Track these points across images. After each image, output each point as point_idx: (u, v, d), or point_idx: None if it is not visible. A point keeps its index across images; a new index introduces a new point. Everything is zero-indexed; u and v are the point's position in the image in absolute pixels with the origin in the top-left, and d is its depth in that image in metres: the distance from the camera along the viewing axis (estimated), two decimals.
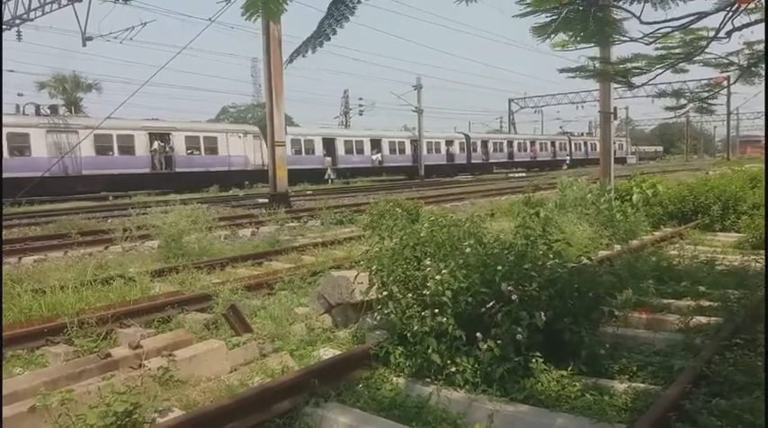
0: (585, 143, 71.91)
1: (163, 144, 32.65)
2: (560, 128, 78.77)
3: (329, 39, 3.10)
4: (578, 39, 4.28)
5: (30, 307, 6.51)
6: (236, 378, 4.63)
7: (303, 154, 40.00)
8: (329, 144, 42.56)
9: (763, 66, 5.83)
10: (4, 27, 24.72)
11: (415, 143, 48.75)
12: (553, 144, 65.82)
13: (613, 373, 4.49)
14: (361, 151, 45.14)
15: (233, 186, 34.46)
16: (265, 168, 35.12)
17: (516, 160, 59.37)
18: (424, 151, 48.53)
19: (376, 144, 46.32)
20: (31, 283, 7.54)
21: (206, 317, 6.36)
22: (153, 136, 32.15)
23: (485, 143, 56.38)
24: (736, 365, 4.23)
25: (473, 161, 53.93)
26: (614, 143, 68.90)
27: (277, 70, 20.20)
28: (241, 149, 35.82)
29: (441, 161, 50.71)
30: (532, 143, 62.59)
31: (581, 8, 3.64)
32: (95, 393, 3.98)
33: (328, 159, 42.08)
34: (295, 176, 37.58)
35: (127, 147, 30.83)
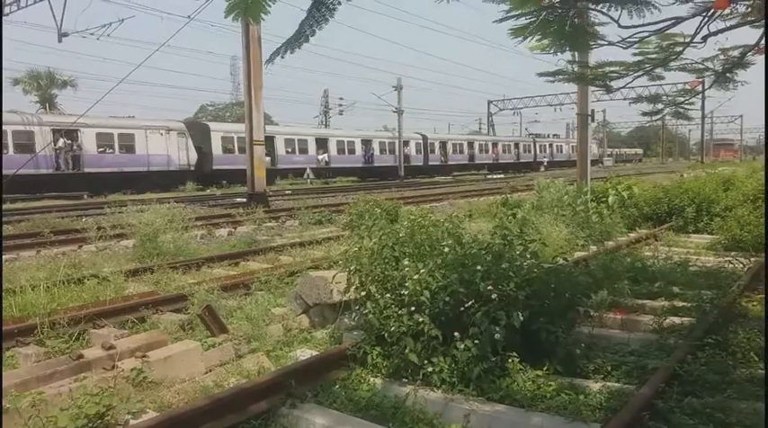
0: (551, 145, 70.22)
1: (69, 141, 29.40)
2: (526, 129, 77.65)
3: (308, 40, 3.09)
4: (556, 43, 4.31)
5: None
6: (212, 379, 4.59)
7: (236, 152, 36.02)
8: (267, 142, 39.05)
9: (738, 71, 5.94)
10: None
11: (367, 143, 46.08)
12: (517, 145, 63.65)
13: (588, 373, 4.53)
14: (304, 151, 41.19)
15: (212, 185, 33.30)
16: (192, 168, 33.70)
17: (477, 162, 57.15)
18: (377, 151, 46.38)
19: (322, 143, 42.82)
20: None
21: (181, 318, 6.29)
22: (57, 132, 28.44)
23: (443, 144, 53.81)
24: (708, 365, 4.31)
25: (430, 163, 51.51)
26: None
27: (256, 68, 20.07)
28: (163, 148, 32.47)
29: (394, 163, 47.65)
30: (495, 144, 60.30)
31: (559, 11, 3.66)
32: (67, 395, 3.92)
33: (266, 159, 39.19)
34: (223, 178, 34.35)
35: (25, 145, 26.79)
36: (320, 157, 42.42)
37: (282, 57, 3.15)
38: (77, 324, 5.86)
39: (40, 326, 5.63)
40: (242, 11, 2.94)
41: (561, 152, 70.47)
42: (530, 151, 64.73)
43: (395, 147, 48.27)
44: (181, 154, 33.43)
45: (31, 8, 24.08)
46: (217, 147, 35.41)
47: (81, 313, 6.01)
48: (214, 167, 34.88)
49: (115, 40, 40.81)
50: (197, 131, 34.93)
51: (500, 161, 59.64)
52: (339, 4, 2.97)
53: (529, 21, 3.63)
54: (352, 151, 45.30)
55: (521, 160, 62.33)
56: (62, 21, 24.36)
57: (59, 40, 24.85)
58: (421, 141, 51.27)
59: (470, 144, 57.28)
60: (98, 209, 17.71)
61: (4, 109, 29.11)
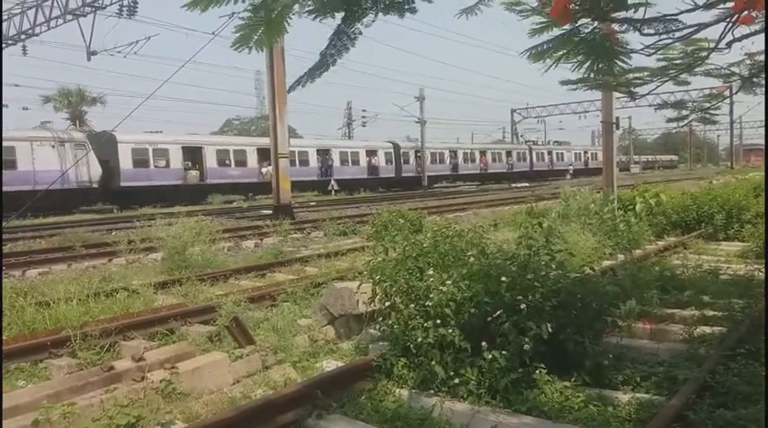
0: (550, 153, 63.84)
1: None
2: (521, 136, 72.45)
3: (328, 69, 3.15)
4: (581, 58, 4.30)
5: (33, 319, 6.52)
6: (239, 390, 4.63)
7: (151, 166, 31.37)
8: (194, 154, 33.79)
9: (764, 76, 5.85)
10: (10, 42, 24.97)
11: (323, 153, 40.86)
12: (509, 154, 57.81)
13: (617, 384, 4.47)
14: (242, 163, 35.72)
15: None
16: (94, 185, 28.08)
17: (462, 172, 51.64)
18: (337, 162, 41.25)
19: (266, 154, 37.10)
20: (35, 296, 7.55)
21: (209, 330, 6.36)
22: None
23: (419, 154, 48.37)
24: (740, 375, 4.22)
25: (404, 174, 46.34)
26: (587, 153, 64.53)
27: (280, 83, 20.32)
28: (55, 162, 26.57)
29: (359, 175, 42.44)
30: (483, 153, 54.83)
31: (581, 33, 3.66)
32: (98, 406, 3.98)
33: (193, 173, 33.64)
34: (133, 197, 29.24)
35: None
36: (264, 170, 35.72)
37: (303, 86, 3.21)
38: (108, 336, 5.96)
39: (72, 338, 5.74)
40: (250, 41, 3.00)
41: (562, 160, 64.65)
42: (525, 160, 59.13)
43: (358, 156, 43.53)
44: (80, 169, 27.46)
45: (60, 29, 24.67)
46: (126, 161, 30.25)
47: (112, 325, 6.12)
48: (122, 184, 30.05)
49: (142, 57, 41.68)
50: (101, 143, 29.33)
51: (490, 171, 54.44)
52: (360, 33, 3.02)
53: (551, 46, 3.64)
54: (304, 162, 39.07)
55: (515, 170, 56.62)
56: (91, 40, 24.94)
57: (89, 59, 25.46)
58: (391, 151, 46.17)
59: (453, 153, 51.76)
60: (127, 223, 18.03)
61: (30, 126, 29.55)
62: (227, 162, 35.14)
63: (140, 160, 31.10)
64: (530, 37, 3.64)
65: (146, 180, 30.76)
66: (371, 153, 44.80)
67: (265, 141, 37.40)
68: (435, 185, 47.16)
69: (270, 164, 35.74)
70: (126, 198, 29.84)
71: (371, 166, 44.43)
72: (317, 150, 40.89)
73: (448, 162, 51.06)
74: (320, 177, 39.89)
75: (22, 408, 4.01)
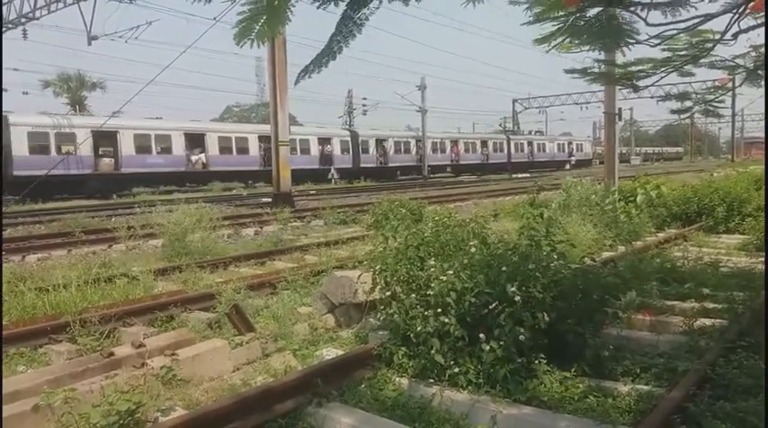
0: (530, 143, 60.02)
1: None
2: (500, 124, 69.70)
3: (335, 58, 3.11)
4: (584, 44, 4.26)
5: (33, 305, 6.52)
6: (239, 377, 4.64)
7: (53, 153, 27.07)
8: (107, 139, 29.76)
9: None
10: (10, 26, 24.83)
11: (267, 140, 31.77)
12: (485, 144, 54.29)
13: (617, 375, 4.47)
14: (167, 150, 31.88)
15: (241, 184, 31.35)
16: None
17: (430, 164, 46.85)
18: (299, 151, 37.40)
19: (196, 140, 33.30)
20: (34, 281, 7.55)
21: (209, 317, 6.36)
22: None
23: (381, 143, 45.03)
24: (740, 368, 4.22)
25: (363, 165, 42.89)
26: (571, 144, 61.00)
27: (281, 70, 20.23)
28: None
29: (309, 164, 38.31)
30: (454, 143, 51.31)
31: (588, 17, 3.62)
32: (98, 392, 3.98)
33: (107, 161, 29.98)
34: (36, 186, 22.60)
35: None
36: (194, 158, 33.22)
37: (310, 77, 3.16)
38: (108, 322, 5.96)
39: (72, 324, 5.73)
40: (252, 34, 2.95)
41: (544, 151, 61.58)
42: (502, 150, 55.73)
43: (309, 145, 39.76)
44: None
45: (60, 13, 24.52)
46: (20, 147, 26.33)
47: (111, 311, 6.11)
48: (16, 173, 25.29)
49: (143, 42, 41.24)
50: None
51: (462, 162, 51.39)
52: (367, 19, 2.98)
53: (556, 27, 3.60)
54: (243, 150, 35.09)
55: (490, 161, 53.58)
56: (92, 24, 24.81)
57: (89, 44, 25.33)
58: (348, 139, 42.87)
59: (420, 143, 47.47)
60: (127, 209, 18.03)
61: (35, 111, 29.53)
62: (148, 149, 31.32)
63: (39, 146, 26.97)
64: (537, 17, 3.58)
65: (46, 168, 26.38)
66: (324, 141, 41.23)
67: (195, 126, 34.60)
68: (402, 178, 44.21)
69: (201, 152, 33.74)
70: (22, 189, 25.57)
71: (324, 155, 40.85)
72: (259, 137, 35.36)
73: (414, 152, 47.56)
74: (263, 167, 34.67)
75: (23, 393, 4.01)
